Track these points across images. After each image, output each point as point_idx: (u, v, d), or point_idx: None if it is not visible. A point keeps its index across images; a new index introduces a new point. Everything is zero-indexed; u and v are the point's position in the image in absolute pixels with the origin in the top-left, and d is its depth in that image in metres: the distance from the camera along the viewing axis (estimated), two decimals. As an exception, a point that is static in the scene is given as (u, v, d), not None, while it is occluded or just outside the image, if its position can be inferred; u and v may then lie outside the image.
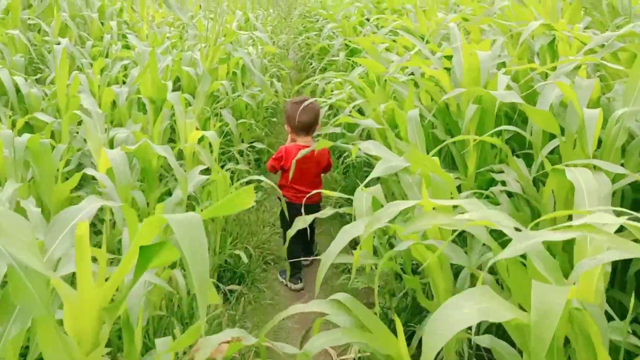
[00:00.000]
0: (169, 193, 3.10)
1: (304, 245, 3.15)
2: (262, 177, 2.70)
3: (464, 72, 2.48)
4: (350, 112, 3.00)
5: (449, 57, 2.79)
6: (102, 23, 5.33)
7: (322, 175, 3.23)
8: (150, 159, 2.68)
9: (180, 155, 2.96)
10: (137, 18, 6.21)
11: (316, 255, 3.23)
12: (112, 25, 4.95)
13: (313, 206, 2.99)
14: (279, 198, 2.86)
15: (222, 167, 3.29)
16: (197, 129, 2.90)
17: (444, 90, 2.68)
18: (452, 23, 2.75)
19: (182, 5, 6.55)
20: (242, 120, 4.10)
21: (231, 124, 3.51)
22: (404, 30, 4.02)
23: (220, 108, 3.77)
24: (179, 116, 2.89)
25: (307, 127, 3.05)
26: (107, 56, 4.46)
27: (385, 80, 2.97)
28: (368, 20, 5.18)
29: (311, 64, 5.81)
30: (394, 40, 4.19)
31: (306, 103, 2.95)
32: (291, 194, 3.06)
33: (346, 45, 5.17)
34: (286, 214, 2.86)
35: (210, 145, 2.91)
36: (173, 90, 3.73)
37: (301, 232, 2.31)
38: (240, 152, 4.48)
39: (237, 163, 3.70)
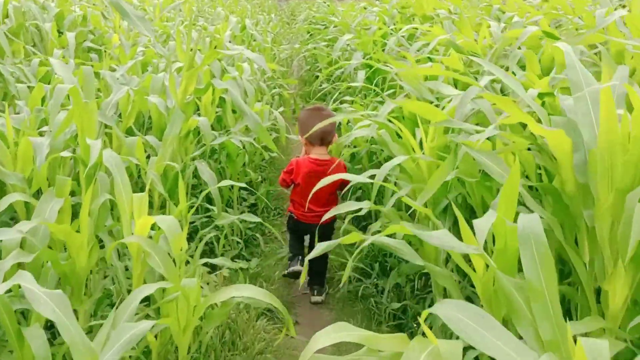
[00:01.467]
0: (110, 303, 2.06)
1: (312, 276, 2.90)
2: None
3: (601, 134, 1.43)
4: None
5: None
6: (60, 33, 4.28)
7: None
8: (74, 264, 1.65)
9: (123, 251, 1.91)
10: (106, 27, 5.16)
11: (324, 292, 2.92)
12: (69, 37, 3.89)
13: (325, 226, 2.77)
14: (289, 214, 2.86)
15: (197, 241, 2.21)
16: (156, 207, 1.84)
17: (551, 157, 1.62)
18: (565, 45, 1.65)
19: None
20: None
21: (210, 183, 2.43)
22: (449, 45, 2.97)
23: (198, 157, 2.70)
24: (121, 190, 1.83)
25: (321, 137, 2.80)
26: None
27: (456, 144, 1.90)
28: (392, 31, 4.12)
29: (320, 85, 4.79)
30: (429, 58, 3.15)
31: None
32: (300, 212, 2.87)
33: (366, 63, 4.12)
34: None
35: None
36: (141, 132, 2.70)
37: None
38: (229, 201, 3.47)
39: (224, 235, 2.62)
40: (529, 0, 5.03)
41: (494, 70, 2.04)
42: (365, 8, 7.06)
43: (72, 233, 1.73)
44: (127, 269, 2.10)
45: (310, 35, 7.24)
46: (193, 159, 2.56)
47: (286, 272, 2.95)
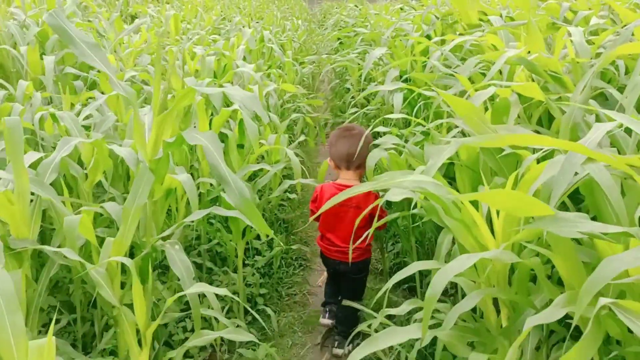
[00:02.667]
0: None
1: (339, 322, 2.63)
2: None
3: None
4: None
5: None
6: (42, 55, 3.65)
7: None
8: None
9: None
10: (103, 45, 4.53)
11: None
12: (47, 62, 3.24)
13: (357, 264, 2.52)
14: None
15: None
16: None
17: None
18: None
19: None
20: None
21: (184, 280, 1.69)
22: (518, 62, 2.17)
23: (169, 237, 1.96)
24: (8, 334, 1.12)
25: (347, 160, 2.51)
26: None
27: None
28: (441, 40, 3.32)
29: (348, 108, 4.03)
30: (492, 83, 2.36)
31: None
32: (325, 245, 2.59)
33: (400, 76, 3.35)
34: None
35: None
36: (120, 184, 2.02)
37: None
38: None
39: None
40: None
41: (615, 116, 1.25)
42: (402, 9, 6.25)
43: None
44: None
45: (341, 43, 6.48)
46: (165, 238, 1.83)
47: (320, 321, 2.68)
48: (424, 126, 2.47)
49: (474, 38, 2.70)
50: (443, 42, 3.31)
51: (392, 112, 3.14)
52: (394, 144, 2.57)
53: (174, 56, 2.98)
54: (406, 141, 2.64)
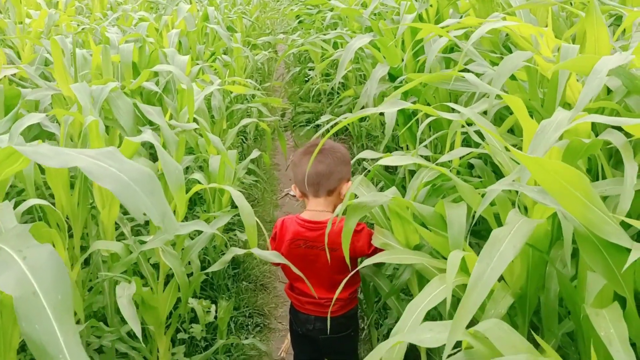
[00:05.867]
0: None
1: None
2: None
3: None
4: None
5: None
6: None
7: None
8: None
9: None
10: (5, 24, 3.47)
11: None
12: None
13: (339, 319, 1.79)
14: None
15: None
16: None
17: None
18: None
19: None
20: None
21: None
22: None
23: None
24: None
25: (316, 183, 1.80)
26: None
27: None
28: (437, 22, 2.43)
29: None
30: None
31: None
32: (296, 296, 1.90)
33: (390, 75, 2.48)
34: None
35: None
36: None
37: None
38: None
39: None
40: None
41: None
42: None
43: None
44: None
45: (300, 21, 5.52)
46: None
47: None
48: (447, 163, 1.62)
49: (504, 25, 1.83)
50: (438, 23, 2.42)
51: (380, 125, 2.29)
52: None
53: (58, 48, 2.00)
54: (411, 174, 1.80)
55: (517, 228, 1.00)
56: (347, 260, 1.50)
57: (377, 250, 1.63)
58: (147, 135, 1.48)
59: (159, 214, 0.68)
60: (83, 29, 3.54)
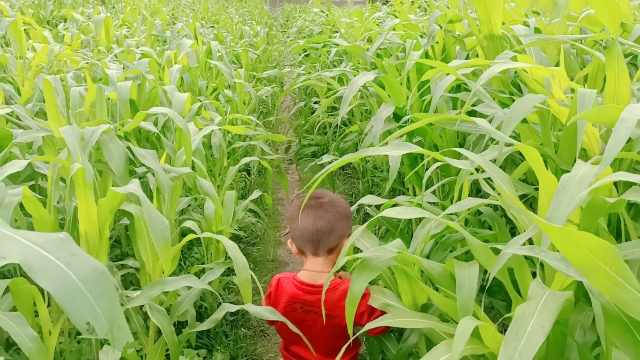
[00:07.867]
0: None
1: None
2: None
3: None
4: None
5: None
6: None
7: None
8: None
9: None
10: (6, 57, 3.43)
11: None
12: None
13: None
14: None
15: None
16: None
17: None
18: None
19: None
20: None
21: None
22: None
23: None
24: None
25: (315, 240, 1.65)
26: None
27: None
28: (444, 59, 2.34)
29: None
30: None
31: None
32: (291, 358, 1.74)
33: (395, 114, 2.39)
34: None
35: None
36: None
37: None
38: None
39: None
40: None
41: None
42: (393, 15, 5.28)
43: None
44: None
45: (307, 55, 5.48)
46: None
47: None
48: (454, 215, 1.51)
49: (515, 67, 1.73)
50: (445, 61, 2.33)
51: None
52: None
53: (50, 87, 1.93)
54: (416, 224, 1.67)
55: (543, 304, 0.88)
56: (350, 331, 1.37)
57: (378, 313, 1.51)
58: (133, 186, 1.38)
59: (106, 321, 0.56)
60: (86, 63, 3.48)
